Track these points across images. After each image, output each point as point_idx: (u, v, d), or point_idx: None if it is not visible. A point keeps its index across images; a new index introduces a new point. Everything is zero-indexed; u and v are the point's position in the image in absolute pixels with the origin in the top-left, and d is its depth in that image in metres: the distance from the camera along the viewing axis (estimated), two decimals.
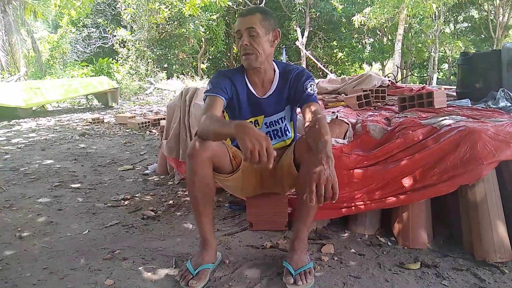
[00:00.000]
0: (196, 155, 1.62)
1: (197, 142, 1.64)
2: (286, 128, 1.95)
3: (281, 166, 1.88)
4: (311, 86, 1.81)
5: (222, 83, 1.81)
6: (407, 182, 1.93)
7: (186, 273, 1.66)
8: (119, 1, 15.94)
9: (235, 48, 24.72)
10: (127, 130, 6.32)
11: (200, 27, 16.81)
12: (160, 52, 16.46)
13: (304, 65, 20.10)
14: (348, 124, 2.34)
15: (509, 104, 2.79)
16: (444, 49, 22.99)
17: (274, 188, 1.99)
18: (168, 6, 14.94)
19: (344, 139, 2.24)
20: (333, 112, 2.54)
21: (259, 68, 1.81)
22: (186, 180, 1.89)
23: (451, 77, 23.04)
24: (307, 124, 1.70)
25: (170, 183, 3.23)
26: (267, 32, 1.74)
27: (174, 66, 17.67)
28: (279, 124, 1.93)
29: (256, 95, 1.87)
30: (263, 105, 1.88)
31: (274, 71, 1.88)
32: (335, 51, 24.71)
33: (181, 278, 1.66)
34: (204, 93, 1.82)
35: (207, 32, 17.98)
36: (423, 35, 20.21)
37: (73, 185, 3.19)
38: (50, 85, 9.02)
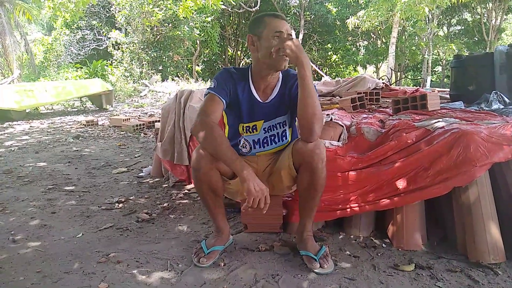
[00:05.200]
0: (201, 168, 1.76)
1: (200, 155, 1.74)
2: (284, 134, 1.96)
3: (278, 169, 1.90)
4: None
5: (227, 83, 1.84)
6: (401, 184, 1.94)
7: (200, 251, 1.88)
8: (113, 4, 15.89)
9: (230, 50, 24.75)
10: (122, 133, 6.29)
11: (195, 29, 16.79)
12: (155, 54, 16.43)
13: None
14: (342, 126, 2.35)
15: (502, 107, 2.82)
16: (438, 51, 23.15)
17: (271, 190, 2.01)
18: (162, 9, 14.92)
19: (338, 141, 2.25)
20: (327, 115, 2.55)
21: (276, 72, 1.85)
22: (194, 187, 1.98)
23: (445, 79, 23.19)
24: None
25: (164, 185, 3.22)
26: None
27: (169, 69, 17.63)
28: (277, 129, 1.93)
29: (259, 99, 1.89)
30: (264, 110, 1.89)
31: (278, 76, 1.92)
32: (329, 53, 24.80)
33: (194, 254, 1.89)
34: (208, 88, 1.84)
35: (202, 34, 17.96)
36: (416, 38, 20.32)
37: (67, 188, 3.17)
38: (43, 87, 8.97)
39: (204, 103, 1.79)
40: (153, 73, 16.29)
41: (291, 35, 1.77)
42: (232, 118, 1.96)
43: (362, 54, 23.28)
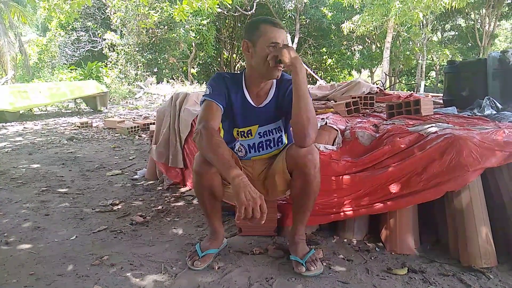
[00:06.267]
0: (203, 173, 1.75)
1: (203, 159, 1.73)
2: (280, 140, 1.97)
3: (272, 173, 1.91)
4: None
5: (221, 88, 1.83)
6: (394, 188, 1.95)
7: (194, 255, 1.87)
8: (109, 5, 15.86)
9: (225, 53, 24.75)
10: (116, 135, 6.27)
11: (191, 32, 16.79)
12: (150, 57, 16.41)
13: None
14: (337, 130, 2.37)
15: (495, 112, 2.85)
16: (432, 57, 23.30)
17: (265, 196, 2.01)
18: (158, 11, 14.92)
19: (333, 145, 2.26)
20: (322, 119, 2.57)
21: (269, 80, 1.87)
22: (194, 191, 1.95)
23: (438, 84, 23.36)
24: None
25: (159, 188, 3.22)
26: None
27: (164, 71, 17.61)
28: (273, 134, 1.94)
29: (253, 104, 1.89)
30: (258, 114, 1.89)
31: (272, 81, 1.91)
32: (324, 57, 24.90)
33: (189, 257, 1.88)
34: (203, 96, 1.83)
35: (198, 37, 17.97)
36: (411, 43, 20.48)
37: (60, 190, 3.15)
38: (37, 88, 8.93)
39: (203, 111, 1.78)
40: (148, 75, 16.27)
41: (287, 45, 1.75)
42: (227, 123, 1.95)
43: (357, 58, 23.39)
